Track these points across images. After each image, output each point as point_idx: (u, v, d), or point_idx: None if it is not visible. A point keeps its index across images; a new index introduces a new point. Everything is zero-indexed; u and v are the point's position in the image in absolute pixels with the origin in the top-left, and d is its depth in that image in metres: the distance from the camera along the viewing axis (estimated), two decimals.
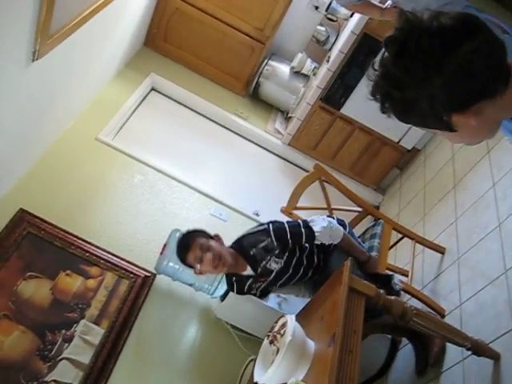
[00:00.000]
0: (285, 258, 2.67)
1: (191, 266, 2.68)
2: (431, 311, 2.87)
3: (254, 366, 2.36)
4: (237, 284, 2.85)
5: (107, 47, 3.89)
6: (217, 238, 2.76)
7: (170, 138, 4.35)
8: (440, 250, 3.27)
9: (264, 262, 2.67)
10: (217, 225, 3.77)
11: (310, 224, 2.70)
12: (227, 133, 4.71)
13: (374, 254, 2.93)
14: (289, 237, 2.65)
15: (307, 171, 4.60)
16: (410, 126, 4.25)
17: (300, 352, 2.07)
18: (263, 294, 2.92)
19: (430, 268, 3.32)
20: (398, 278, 2.79)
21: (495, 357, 2.34)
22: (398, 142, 4.41)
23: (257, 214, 4.02)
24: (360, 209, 3.29)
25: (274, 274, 2.70)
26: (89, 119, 3.99)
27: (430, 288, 3.19)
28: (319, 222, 2.70)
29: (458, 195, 3.53)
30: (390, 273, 2.80)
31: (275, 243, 2.64)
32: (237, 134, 4.73)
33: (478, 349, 2.34)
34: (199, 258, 2.61)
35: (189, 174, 4.10)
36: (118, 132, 4.17)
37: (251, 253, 2.67)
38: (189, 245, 2.66)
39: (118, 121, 4.17)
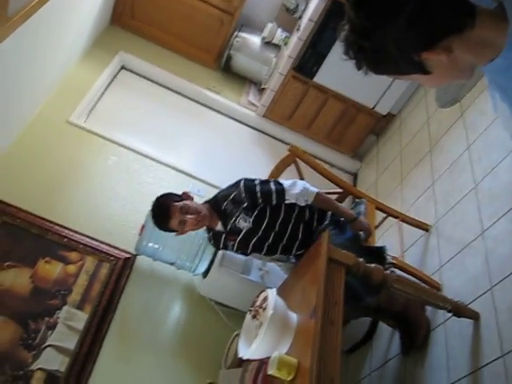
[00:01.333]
0: (253, 217, 2.66)
1: (173, 231, 2.67)
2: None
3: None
4: (213, 238, 2.86)
5: (72, 27, 3.79)
6: (186, 195, 2.76)
7: (143, 116, 4.28)
8: (424, 227, 3.18)
9: (233, 219, 2.68)
10: (195, 201, 3.74)
11: (280, 181, 2.76)
12: (201, 108, 4.65)
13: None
14: (258, 189, 2.67)
15: (284, 142, 4.60)
16: (383, 90, 4.24)
17: (282, 325, 2.07)
18: (242, 254, 2.89)
19: (410, 237, 3.31)
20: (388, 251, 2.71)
21: (475, 317, 2.37)
22: (373, 108, 4.39)
23: None
24: (340, 189, 3.19)
25: (242, 234, 2.70)
26: (58, 102, 3.91)
27: (410, 254, 3.20)
28: (289, 181, 2.75)
29: (434, 159, 3.54)
30: (381, 245, 2.69)
31: (243, 194, 2.65)
32: (211, 108, 4.67)
33: (458, 310, 2.37)
34: (182, 221, 2.60)
35: (164, 152, 4.06)
36: (89, 114, 4.09)
37: (223, 207, 2.71)
38: (168, 213, 2.61)
39: (88, 102, 4.09)
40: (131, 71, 4.61)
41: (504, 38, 1.03)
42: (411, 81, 1.22)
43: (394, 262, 2.62)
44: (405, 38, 1.04)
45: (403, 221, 3.20)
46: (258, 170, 4.26)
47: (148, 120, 4.27)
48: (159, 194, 3.66)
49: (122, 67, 4.60)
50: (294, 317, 2.13)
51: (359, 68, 1.11)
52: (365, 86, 4.22)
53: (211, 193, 3.81)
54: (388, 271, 2.30)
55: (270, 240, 2.73)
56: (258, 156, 4.45)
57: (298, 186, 2.71)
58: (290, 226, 2.74)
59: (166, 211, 2.61)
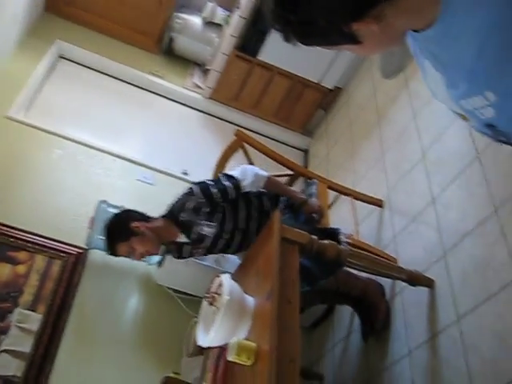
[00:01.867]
0: (217, 220, 2.58)
1: None
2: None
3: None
4: (176, 250, 2.75)
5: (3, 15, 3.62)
6: (135, 226, 2.60)
7: (86, 106, 4.15)
8: (378, 203, 3.15)
9: (196, 228, 2.57)
10: (144, 189, 3.68)
11: (229, 173, 2.67)
12: (145, 94, 4.54)
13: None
14: (214, 190, 2.57)
15: (232, 123, 4.55)
16: (328, 63, 4.22)
17: (239, 310, 2.04)
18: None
19: (364, 211, 3.30)
20: (343, 232, 2.61)
21: (430, 284, 2.40)
22: (319, 83, 4.37)
23: (185, 173, 3.94)
24: (290, 171, 3.12)
25: (211, 240, 2.61)
26: None
27: (365, 228, 3.21)
28: (237, 170, 2.68)
29: (382, 130, 3.55)
30: (336, 227, 2.63)
31: (201, 200, 2.55)
32: (155, 93, 4.57)
33: (413, 279, 2.39)
34: (130, 255, 2.65)
35: (110, 141, 3.95)
36: (29, 107, 3.94)
37: (181, 218, 2.58)
38: (114, 250, 2.67)
39: (27, 95, 3.93)
40: (70, 60, 4.45)
41: (437, 6, 1.00)
42: (343, 50, 1.18)
43: (349, 241, 2.59)
44: (332, 10, 0.99)
45: (356, 198, 3.17)
46: (207, 153, 4.20)
47: (91, 110, 4.15)
48: (107, 184, 3.61)
49: (60, 56, 4.44)
50: (250, 300, 2.10)
51: (287, 40, 1.06)
52: (310, 60, 4.20)
53: (159, 180, 3.79)
54: (343, 246, 2.29)
55: (239, 239, 2.67)
56: (207, 139, 4.39)
57: (250, 173, 2.64)
58: (255, 221, 2.67)
59: (112, 250, 2.67)
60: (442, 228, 2.52)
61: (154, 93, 4.57)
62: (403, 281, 2.41)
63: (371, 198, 3.20)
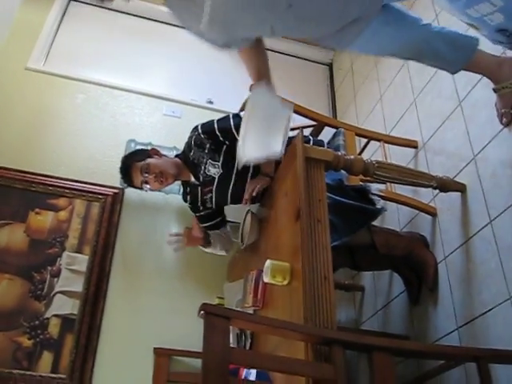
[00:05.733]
0: (221, 160, 2.51)
1: (141, 188, 2.64)
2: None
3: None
4: (191, 193, 2.73)
5: None
6: (153, 151, 2.65)
7: (103, 46, 4.11)
8: (412, 145, 2.95)
9: (202, 167, 2.55)
10: (172, 123, 3.70)
11: (240, 113, 2.57)
12: (161, 26, 4.43)
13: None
14: (215, 126, 2.52)
15: None
16: None
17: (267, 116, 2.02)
18: (221, 216, 2.81)
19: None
20: (373, 187, 2.53)
21: (461, 189, 2.38)
22: None
23: (210, 102, 3.92)
24: (314, 122, 2.95)
25: (216, 182, 2.56)
26: (11, 51, 3.72)
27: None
28: None
29: None
30: (361, 184, 2.46)
31: (202, 135, 2.52)
32: (171, 24, 4.47)
33: (444, 185, 2.37)
34: (144, 181, 2.58)
35: (132, 79, 3.93)
36: (47, 55, 3.92)
37: (190, 158, 2.59)
38: (129, 172, 2.62)
39: (43, 44, 3.90)
40: (81, 1, 4.37)
41: None
42: None
43: (381, 194, 2.51)
44: None
45: (387, 142, 2.99)
46: (229, 78, 4.15)
47: (109, 50, 4.10)
48: (134, 123, 3.64)
49: None
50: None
51: None
52: None
53: (186, 112, 3.79)
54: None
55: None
56: (227, 64, 4.24)
57: None
58: None
59: (127, 172, 2.62)
60: (470, 130, 2.47)
61: (169, 24, 4.47)
62: (434, 188, 2.38)
63: (404, 140, 3.00)
